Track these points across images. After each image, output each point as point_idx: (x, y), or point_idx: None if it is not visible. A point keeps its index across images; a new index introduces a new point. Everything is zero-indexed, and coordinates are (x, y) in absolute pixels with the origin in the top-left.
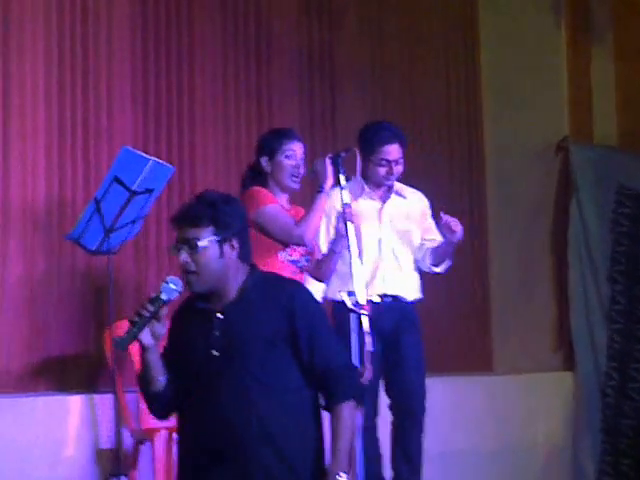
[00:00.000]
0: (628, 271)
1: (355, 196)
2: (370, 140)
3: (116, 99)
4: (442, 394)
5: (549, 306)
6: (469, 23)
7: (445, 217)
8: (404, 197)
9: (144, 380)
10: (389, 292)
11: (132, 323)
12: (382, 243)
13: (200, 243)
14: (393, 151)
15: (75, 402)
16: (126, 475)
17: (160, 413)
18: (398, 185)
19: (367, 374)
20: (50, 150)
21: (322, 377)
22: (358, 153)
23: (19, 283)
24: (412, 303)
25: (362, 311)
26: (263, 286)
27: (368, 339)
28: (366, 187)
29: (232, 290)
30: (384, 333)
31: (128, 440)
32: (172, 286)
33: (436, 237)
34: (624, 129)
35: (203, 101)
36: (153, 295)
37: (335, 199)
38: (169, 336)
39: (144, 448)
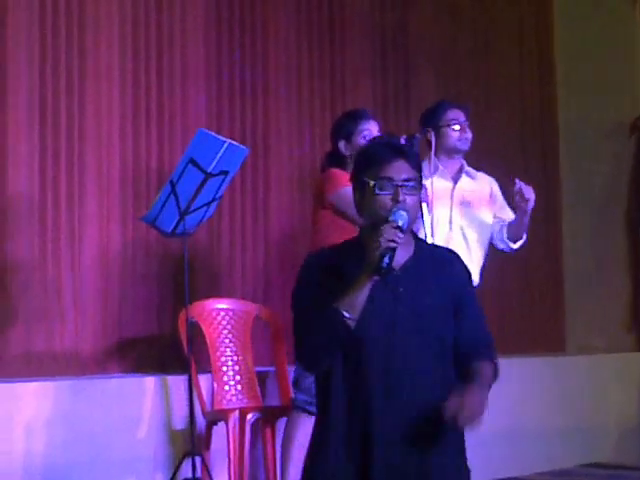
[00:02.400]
0: None
1: (428, 175)
2: (433, 111)
3: (190, 81)
4: (514, 374)
5: (623, 286)
6: (543, 3)
7: (519, 183)
8: (474, 178)
9: (337, 316)
10: None
11: (389, 249)
12: (453, 223)
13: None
14: (459, 114)
15: (149, 383)
16: (200, 455)
17: (323, 365)
18: (468, 167)
19: None
20: (124, 132)
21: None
22: (433, 134)
23: (94, 265)
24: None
25: None
26: (432, 254)
27: None
28: (440, 166)
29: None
30: None
31: (201, 421)
32: (403, 213)
33: (509, 216)
34: None
35: (277, 82)
36: (394, 223)
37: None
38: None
39: (217, 429)
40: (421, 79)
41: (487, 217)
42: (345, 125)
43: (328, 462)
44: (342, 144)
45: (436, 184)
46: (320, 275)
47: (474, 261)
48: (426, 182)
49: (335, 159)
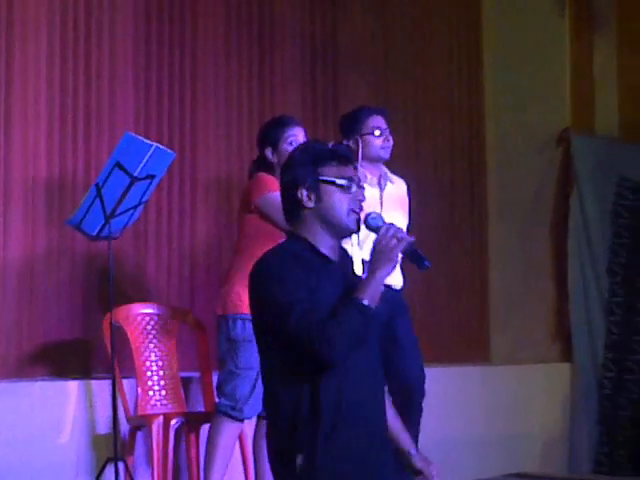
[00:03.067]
0: (627, 263)
1: None
2: (355, 117)
3: (118, 84)
4: (439, 383)
5: (548, 297)
6: (472, 13)
7: None
8: (392, 182)
9: (366, 309)
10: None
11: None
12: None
13: None
14: (380, 121)
15: (73, 387)
16: (123, 461)
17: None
18: (387, 171)
19: None
20: (52, 134)
21: None
22: (360, 140)
23: (19, 268)
24: (401, 290)
25: None
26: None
27: None
28: (368, 175)
29: None
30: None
31: (125, 426)
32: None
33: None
34: (626, 120)
35: (205, 86)
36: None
37: None
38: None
39: (141, 434)
40: (349, 86)
41: (405, 220)
42: (271, 132)
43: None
44: (269, 151)
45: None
46: (294, 271)
47: (398, 268)
48: None
49: (262, 166)
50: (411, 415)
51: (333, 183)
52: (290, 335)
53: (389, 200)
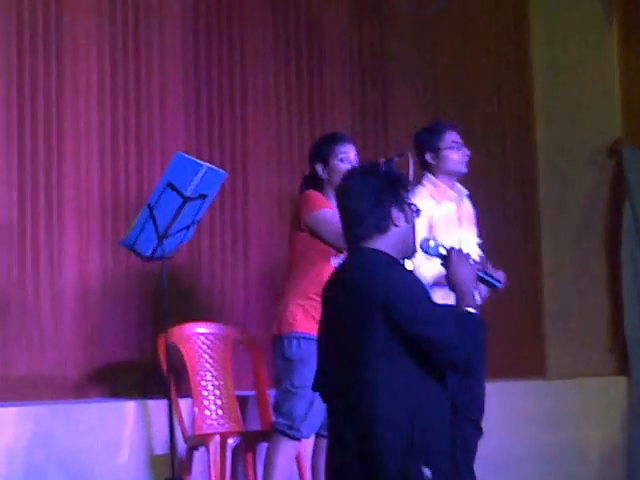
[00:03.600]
0: None
1: (439, 198)
2: (432, 132)
3: (169, 103)
4: (495, 399)
5: (603, 309)
6: (520, 23)
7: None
8: (466, 198)
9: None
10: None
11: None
12: (462, 245)
13: None
14: (456, 136)
15: (129, 408)
16: None
17: None
18: (459, 185)
19: None
20: (103, 153)
21: None
22: (411, 157)
23: (73, 289)
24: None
25: None
26: None
27: None
28: (448, 190)
29: None
30: None
31: (182, 446)
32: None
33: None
34: None
35: (255, 106)
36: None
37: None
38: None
39: (198, 454)
40: (399, 102)
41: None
42: (322, 148)
43: None
44: (320, 167)
45: (445, 207)
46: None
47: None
48: (436, 205)
49: (312, 182)
50: (474, 436)
51: (413, 208)
52: (438, 345)
53: (465, 216)
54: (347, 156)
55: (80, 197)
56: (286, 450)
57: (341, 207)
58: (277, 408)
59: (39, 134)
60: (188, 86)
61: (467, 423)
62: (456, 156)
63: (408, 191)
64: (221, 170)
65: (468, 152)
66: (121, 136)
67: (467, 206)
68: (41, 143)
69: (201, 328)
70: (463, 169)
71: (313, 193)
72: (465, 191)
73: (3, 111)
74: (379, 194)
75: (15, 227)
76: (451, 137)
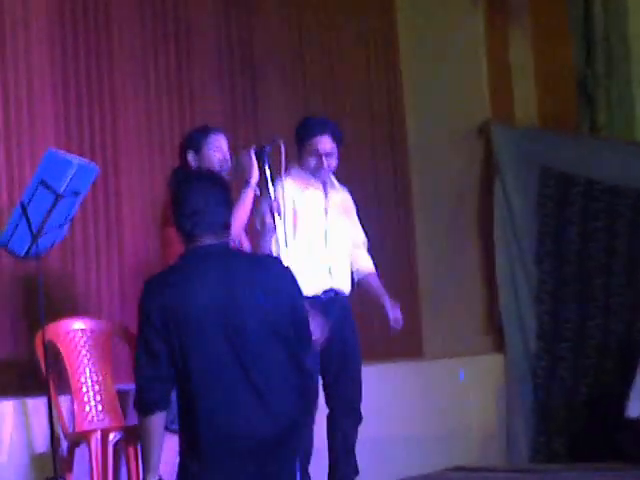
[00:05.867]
0: (554, 252)
1: (302, 186)
2: (302, 130)
3: (37, 99)
4: (373, 381)
5: (478, 290)
6: (386, 9)
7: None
8: (336, 189)
9: None
10: (335, 286)
11: None
12: (328, 235)
13: None
14: (324, 142)
15: (7, 407)
16: (63, 479)
17: None
18: (332, 177)
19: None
20: None
21: None
22: (283, 145)
23: None
24: (348, 296)
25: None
26: None
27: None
28: (312, 179)
29: None
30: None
31: (63, 444)
32: None
33: (360, 236)
34: (545, 110)
35: (125, 99)
36: None
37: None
38: None
39: (80, 450)
40: (268, 90)
41: (350, 230)
42: (194, 137)
43: None
44: (191, 155)
45: (309, 195)
46: None
47: (347, 273)
48: (300, 193)
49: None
50: (351, 421)
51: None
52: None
53: (335, 207)
54: (220, 146)
55: None
56: (168, 444)
57: None
58: None
59: None
60: (56, 81)
61: (347, 414)
62: (314, 162)
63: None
64: (92, 165)
65: (327, 164)
66: None
67: (339, 198)
68: None
69: (78, 324)
70: (319, 178)
71: None
72: (338, 185)
73: None
74: None
75: None
76: (316, 143)
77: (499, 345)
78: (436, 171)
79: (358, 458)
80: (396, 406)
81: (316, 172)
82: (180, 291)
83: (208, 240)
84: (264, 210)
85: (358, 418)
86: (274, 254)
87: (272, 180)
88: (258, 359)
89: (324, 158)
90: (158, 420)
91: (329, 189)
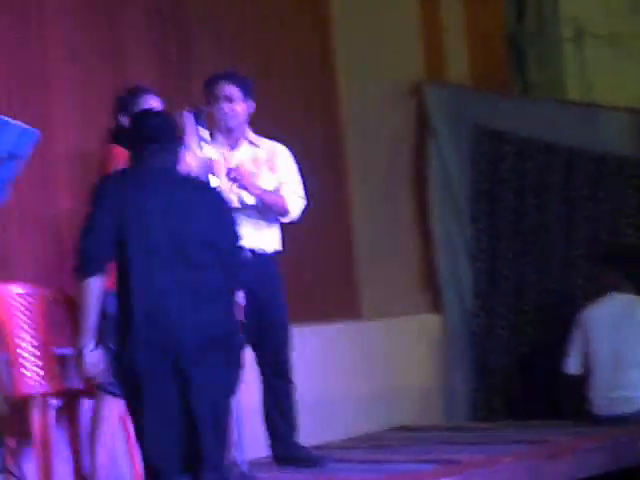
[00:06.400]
0: (489, 210)
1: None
2: (207, 82)
3: None
4: (312, 342)
5: (414, 249)
6: None
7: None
8: (257, 146)
9: None
10: (249, 246)
11: None
12: (231, 192)
13: None
14: (223, 88)
15: None
16: (2, 444)
17: None
18: (253, 136)
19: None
20: None
21: None
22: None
23: None
24: (272, 255)
25: None
26: None
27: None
28: (218, 136)
29: None
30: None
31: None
32: None
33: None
34: (477, 69)
35: (55, 61)
36: None
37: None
38: None
39: (20, 415)
40: (201, 50)
41: (267, 184)
42: (126, 98)
43: None
44: (124, 117)
45: (210, 153)
46: None
47: (264, 231)
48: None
49: (116, 135)
50: (283, 385)
51: None
52: None
53: (238, 161)
54: (150, 105)
55: None
56: (111, 407)
57: None
58: None
59: None
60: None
61: (276, 374)
62: (216, 109)
63: None
64: (33, 129)
65: (227, 109)
66: None
67: (256, 153)
68: None
69: (15, 289)
70: (224, 124)
71: (118, 149)
72: (263, 140)
73: None
74: None
75: None
76: (217, 90)
77: (437, 304)
78: (370, 131)
79: (300, 419)
80: (336, 367)
81: (221, 118)
82: (134, 187)
83: (157, 164)
84: (199, 171)
85: (287, 379)
86: None
87: (207, 141)
88: (194, 267)
89: (224, 103)
90: (97, 283)
91: (242, 145)
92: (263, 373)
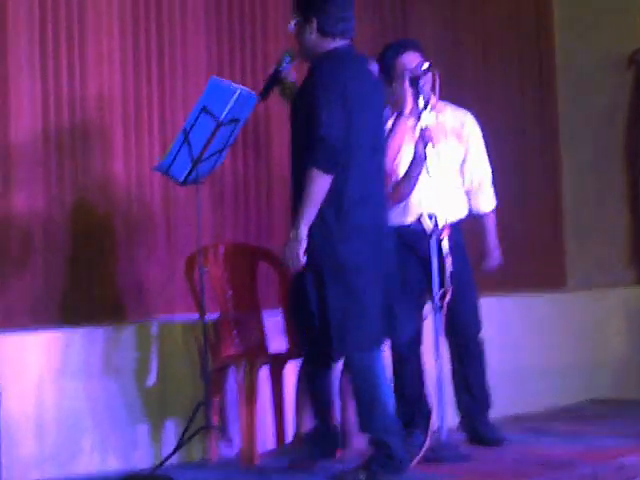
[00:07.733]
0: None
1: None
2: (386, 54)
3: (190, 26)
4: (515, 311)
5: (623, 220)
6: None
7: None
8: (440, 112)
9: None
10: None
11: None
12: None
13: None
14: (413, 59)
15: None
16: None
17: None
18: (440, 104)
19: (449, 296)
20: (126, 77)
21: None
22: (437, 74)
23: None
24: (456, 224)
25: (443, 234)
26: None
27: (448, 261)
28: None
29: None
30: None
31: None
32: None
33: (475, 169)
34: None
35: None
36: None
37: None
38: None
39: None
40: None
41: (458, 153)
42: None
43: None
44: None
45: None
46: None
47: (447, 199)
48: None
49: None
50: (471, 360)
51: None
52: None
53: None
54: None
55: (103, 116)
56: None
57: None
58: None
59: (62, 67)
60: (210, 9)
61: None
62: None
63: None
64: (253, 93)
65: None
66: (143, 58)
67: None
68: (64, 77)
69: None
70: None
71: None
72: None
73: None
74: None
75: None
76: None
77: None
78: (584, 99)
79: (499, 389)
80: (536, 337)
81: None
82: (348, 70)
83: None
84: (417, 140)
85: (477, 350)
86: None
87: (425, 108)
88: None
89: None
90: (328, 184)
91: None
92: (452, 347)
